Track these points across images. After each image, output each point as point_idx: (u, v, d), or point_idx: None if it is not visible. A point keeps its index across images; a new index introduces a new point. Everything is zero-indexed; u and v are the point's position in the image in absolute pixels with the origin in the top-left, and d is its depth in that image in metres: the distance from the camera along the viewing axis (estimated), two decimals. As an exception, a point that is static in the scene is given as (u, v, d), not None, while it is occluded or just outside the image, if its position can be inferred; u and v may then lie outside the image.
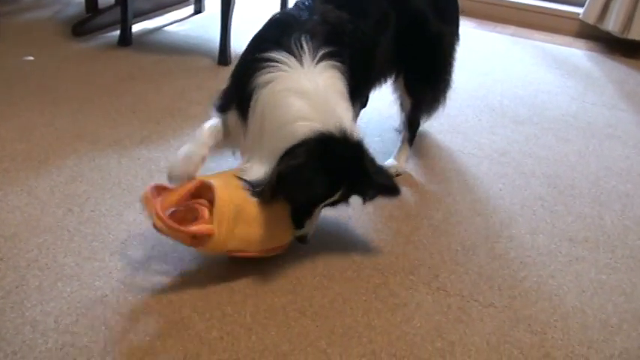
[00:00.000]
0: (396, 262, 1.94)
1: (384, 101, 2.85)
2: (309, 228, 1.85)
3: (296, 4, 2.09)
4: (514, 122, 2.94)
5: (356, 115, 2.39)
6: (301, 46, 1.84)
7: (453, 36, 2.43)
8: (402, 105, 2.47)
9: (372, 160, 1.85)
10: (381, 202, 2.21)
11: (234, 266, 1.85)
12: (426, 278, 1.89)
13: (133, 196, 2.12)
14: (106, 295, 1.71)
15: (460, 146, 2.68)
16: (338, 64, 1.87)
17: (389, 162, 2.45)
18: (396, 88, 2.46)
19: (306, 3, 2.05)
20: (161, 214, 1.67)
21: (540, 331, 1.73)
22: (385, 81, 2.40)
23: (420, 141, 2.60)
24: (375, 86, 2.36)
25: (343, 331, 1.66)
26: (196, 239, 1.70)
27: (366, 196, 1.90)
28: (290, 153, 1.73)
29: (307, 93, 1.79)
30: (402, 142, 2.51)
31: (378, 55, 2.18)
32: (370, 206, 2.19)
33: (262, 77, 1.83)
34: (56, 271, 1.78)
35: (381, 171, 1.91)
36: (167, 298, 1.71)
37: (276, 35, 1.90)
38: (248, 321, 1.66)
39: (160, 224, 1.67)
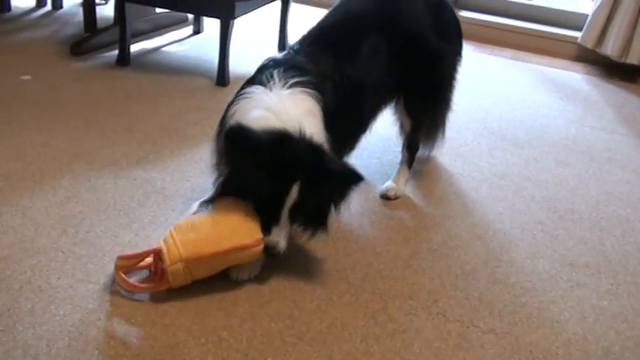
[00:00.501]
0: (395, 286, 1.91)
1: (383, 123, 2.84)
2: (277, 235, 1.79)
3: (286, 52, 2.12)
4: (513, 145, 2.93)
5: (344, 155, 2.28)
6: (271, 76, 1.91)
7: (455, 56, 2.42)
8: (401, 126, 2.45)
9: (331, 159, 1.81)
10: (380, 224, 2.20)
11: (230, 290, 1.82)
12: (425, 303, 1.86)
13: (129, 217, 2.09)
14: (100, 319, 1.67)
15: (459, 169, 2.66)
16: (311, 90, 1.89)
17: (387, 184, 2.42)
18: (395, 110, 2.43)
19: (294, 48, 2.09)
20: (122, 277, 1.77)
21: (542, 359, 1.69)
22: (382, 111, 2.37)
23: (418, 163, 2.58)
24: (367, 127, 2.30)
25: (341, 358, 1.63)
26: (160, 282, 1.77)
27: (331, 195, 1.83)
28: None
29: (270, 107, 1.83)
30: (401, 164, 2.49)
31: (367, 98, 2.18)
32: (369, 228, 2.17)
33: (231, 109, 1.92)
34: (49, 293, 1.74)
35: (340, 164, 1.88)
36: (162, 323, 1.68)
37: (253, 77, 2.00)
38: (244, 346, 1.63)
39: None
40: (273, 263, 1.93)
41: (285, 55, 2.07)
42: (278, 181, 1.75)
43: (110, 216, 2.10)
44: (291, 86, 1.88)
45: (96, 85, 3.13)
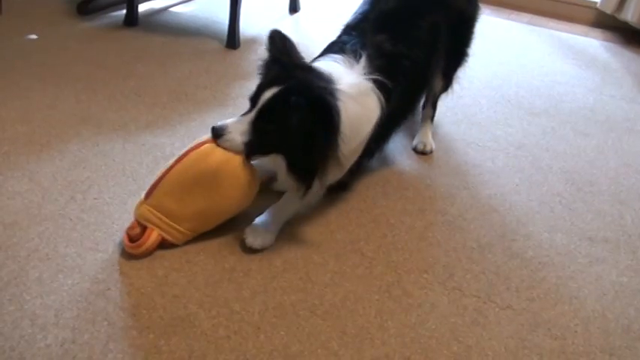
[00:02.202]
0: (410, 260, 1.87)
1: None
2: (231, 131, 1.74)
3: (344, 33, 2.13)
4: (530, 114, 2.86)
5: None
6: (359, 56, 1.93)
7: (478, 12, 2.41)
8: (432, 87, 2.44)
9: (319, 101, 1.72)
10: (394, 195, 2.15)
11: (242, 261, 1.78)
12: (441, 277, 1.81)
13: (138, 184, 2.04)
14: (109, 289, 1.64)
15: (475, 138, 2.59)
16: (379, 93, 1.91)
17: (421, 140, 2.45)
18: None
19: (357, 31, 2.08)
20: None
21: (560, 337, 1.66)
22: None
23: (433, 132, 2.51)
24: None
25: (355, 332, 1.59)
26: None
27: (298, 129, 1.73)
28: None
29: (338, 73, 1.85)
30: (425, 120, 2.50)
31: (427, 79, 2.27)
32: (382, 199, 2.12)
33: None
34: (57, 261, 1.71)
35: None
36: (172, 293, 1.65)
37: (330, 51, 2.02)
38: (256, 319, 1.60)
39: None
40: (284, 235, 1.89)
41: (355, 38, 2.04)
42: (263, 85, 1.77)
43: (119, 182, 2.05)
44: (367, 75, 1.90)
45: (103, 46, 3.06)
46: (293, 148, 1.73)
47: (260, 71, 1.85)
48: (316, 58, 2.02)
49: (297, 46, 1.86)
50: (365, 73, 1.90)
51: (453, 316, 1.68)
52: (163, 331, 1.53)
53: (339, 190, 2.07)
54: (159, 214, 1.74)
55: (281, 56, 1.82)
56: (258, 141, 1.74)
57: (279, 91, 1.71)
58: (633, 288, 1.86)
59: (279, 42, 1.84)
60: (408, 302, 1.71)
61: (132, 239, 1.74)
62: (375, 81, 1.90)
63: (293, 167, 1.76)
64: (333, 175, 1.86)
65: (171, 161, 1.78)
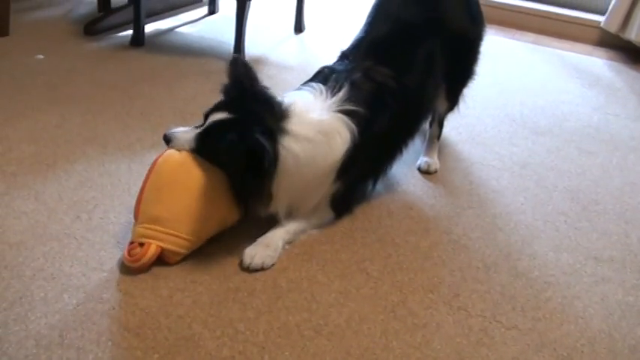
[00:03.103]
0: (415, 279, 1.87)
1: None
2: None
3: (339, 59, 2.17)
4: (534, 133, 2.86)
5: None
6: (339, 88, 1.96)
7: (483, 32, 2.41)
8: (436, 108, 2.45)
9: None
10: (398, 214, 2.15)
11: (247, 281, 1.78)
12: (446, 297, 1.81)
13: (143, 203, 2.05)
14: (113, 309, 1.64)
15: (480, 157, 2.60)
16: (351, 124, 1.92)
17: (426, 160, 2.46)
18: None
19: (349, 58, 2.12)
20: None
21: (566, 357, 1.64)
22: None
23: (439, 151, 2.52)
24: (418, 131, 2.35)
25: (360, 353, 1.59)
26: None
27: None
28: None
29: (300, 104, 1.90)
30: (431, 138, 2.50)
31: (424, 103, 2.25)
32: (387, 218, 2.12)
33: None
34: (62, 281, 1.71)
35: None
36: (177, 313, 1.64)
37: (315, 79, 2.07)
38: (261, 340, 1.59)
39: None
40: (289, 254, 1.89)
41: (344, 66, 2.09)
42: (217, 106, 1.89)
43: (124, 202, 2.06)
44: (337, 107, 1.93)
45: (110, 66, 3.09)
46: (227, 171, 1.83)
47: (222, 92, 1.93)
48: (304, 83, 2.06)
49: (256, 73, 1.94)
50: (337, 106, 1.92)
51: (459, 336, 1.68)
52: (168, 352, 1.53)
53: (342, 211, 2.08)
54: (151, 226, 1.76)
55: (242, 81, 1.89)
56: (201, 154, 1.85)
57: (224, 119, 1.82)
58: (639, 308, 1.85)
59: (240, 67, 1.92)
60: (414, 322, 1.71)
61: (132, 256, 1.75)
62: (348, 112, 1.92)
63: (230, 186, 1.84)
64: (274, 207, 1.90)
65: (143, 179, 1.87)
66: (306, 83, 2.06)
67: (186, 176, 1.82)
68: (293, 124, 1.84)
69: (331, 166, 1.92)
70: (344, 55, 2.17)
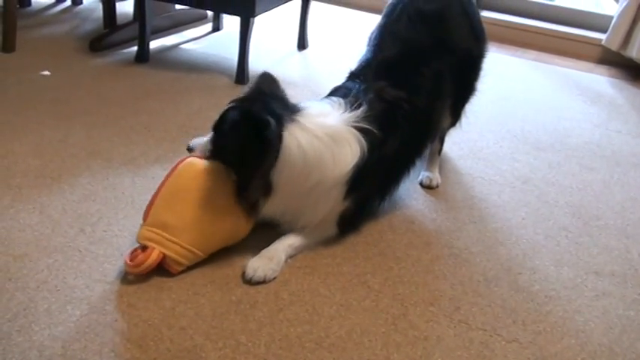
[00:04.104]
0: (416, 292, 1.88)
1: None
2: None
3: (349, 79, 2.18)
4: (536, 149, 2.88)
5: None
6: (359, 105, 1.97)
7: (485, 49, 2.43)
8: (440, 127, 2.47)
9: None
10: (400, 228, 2.16)
11: (249, 293, 1.79)
12: (447, 310, 1.82)
13: (147, 216, 2.07)
14: (116, 320, 1.65)
15: (481, 172, 2.61)
16: (363, 141, 1.92)
17: (427, 174, 2.47)
18: None
19: (360, 78, 2.12)
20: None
21: (567, 370, 1.65)
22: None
23: (440, 166, 2.53)
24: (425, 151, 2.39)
25: (361, 365, 1.60)
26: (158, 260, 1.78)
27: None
28: None
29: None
30: (432, 153, 2.51)
31: (432, 122, 2.26)
32: (389, 232, 2.14)
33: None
34: (66, 293, 1.72)
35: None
36: (179, 325, 1.65)
37: (333, 94, 2.08)
38: (262, 351, 1.60)
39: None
40: (291, 267, 1.91)
41: (356, 85, 2.10)
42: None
43: (128, 215, 2.08)
44: (351, 125, 1.93)
45: (114, 82, 3.12)
46: (233, 162, 1.86)
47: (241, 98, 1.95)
48: (322, 98, 2.08)
49: (283, 88, 1.98)
50: (352, 121, 1.92)
51: (459, 349, 1.68)
52: (170, 363, 1.54)
53: (348, 230, 2.08)
54: (158, 230, 1.78)
55: (262, 87, 1.95)
56: (214, 156, 1.90)
57: (233, 108, 1.87)
58: (640, 322, 1.86)
59: (268, 81, 1.99)
60: (414, 335, 1.71)
61: (132, 260, 1.77)
62: (362, 129, 1.92)
63: (236, 183, 1.86)
64: (274, 205, 1.89)
65: (161, 181, 1.89)
66: (324, 98, 2.07)
67: (201, 187, 1.84)
68: (303, 118, 1.85)
69: (339, 179, 1.90)
70: (353, 75, 2.17)
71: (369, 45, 2.27)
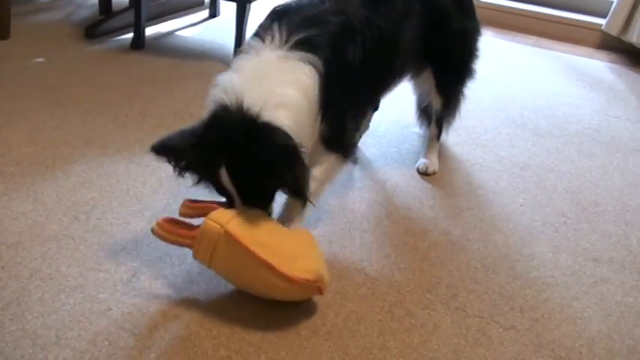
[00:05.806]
0: (413, 280, 1.86)
1: (401, 111, 2.79)
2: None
3: None
4: (535, 135, 2.86)
5: (368, 118, 2.36)
6: (270, 29, 1.77)
7: (476, 31, 2.39)
8: (429, 104, 2.45)
9: (267, 136, 1.60)
10: (397, 215, 2.15)
11: (244, 280, 1.77)
12: (444, 297, 1.80)
13: (141, 204, 2.05)
14: (110, 309, 1.64)
15: (479, 159, 2.59)
16: (311, 54, 1.72)
17: (424, 161, 2.45)
18: (419, 87, 2.48)
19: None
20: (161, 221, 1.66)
21: (564, 357, 1.64)
22: (405, 77, 2.34)
23: (438, 153, 2.51)
24: (394, 82, 2.24)
25: (357, 353, 1.58)
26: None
27: (265, 178, 1.65)
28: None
29: (244, 70, 1.74)
30: (431, 139, 2.49)
31: (399, 49, 2.08)
32: (386, 219, 2.12)
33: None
34: (59, 281, 1.71)
35: (274, 142, 1.61)
36: (173, 313, 1.64)
37: (258, 27, 1.88)
38: (257, 339, 1.59)
39: (157, 230, 1.66)
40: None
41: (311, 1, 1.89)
42: (207, 165, 1.66)
43: (122, 203, 2.06)
44: (291, 47, 1.72)
45: (110, 69, 3.09)
46: (278, 187, 1.73)
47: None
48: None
49: None
50: (284, 44, 1.73)
51: (456, 336, 1.67)
52: (164, 351, 1.53)
53: (340, 152, 1.92)
54: (220, 225, 1.60)
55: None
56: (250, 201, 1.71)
57: (231, 168, 1.64)
58: (639, 308, 1.84)
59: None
60: (411, 322, 1.70)
61: (171, 221, 1.66)
62: (297, 44, 1.73)
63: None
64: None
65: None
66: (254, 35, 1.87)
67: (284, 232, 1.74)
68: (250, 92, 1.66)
69: (312, 99, 1.74)
70: None
71: None
